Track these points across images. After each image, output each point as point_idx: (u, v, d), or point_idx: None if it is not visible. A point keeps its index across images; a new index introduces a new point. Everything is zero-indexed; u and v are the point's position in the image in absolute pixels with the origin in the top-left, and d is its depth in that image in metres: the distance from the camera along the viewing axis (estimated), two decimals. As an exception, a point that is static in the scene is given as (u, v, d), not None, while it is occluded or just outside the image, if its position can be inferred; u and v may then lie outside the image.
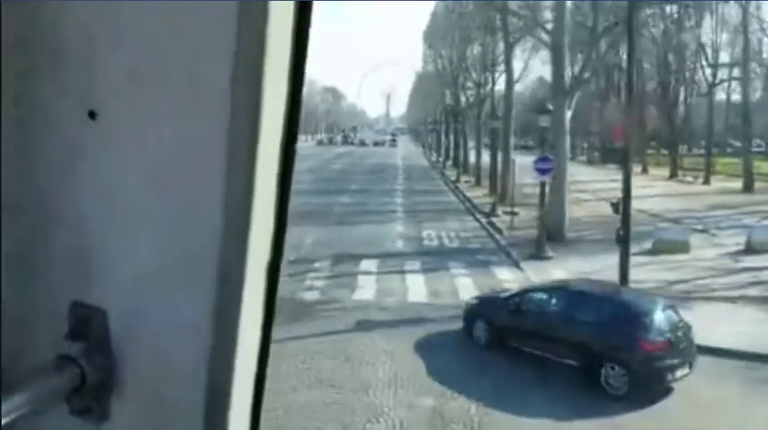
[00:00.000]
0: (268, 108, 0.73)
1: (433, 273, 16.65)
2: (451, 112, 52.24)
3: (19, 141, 0.82)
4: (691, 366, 9.08)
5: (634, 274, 14.87)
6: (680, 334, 9.29)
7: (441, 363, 9.94)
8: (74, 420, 0.82)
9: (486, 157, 38.89)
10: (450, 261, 17.95)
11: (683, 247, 18.28)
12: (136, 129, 0.78)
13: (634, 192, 33.58)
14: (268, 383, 0.86)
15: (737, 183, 34.74)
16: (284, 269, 1.28)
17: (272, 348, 0.85)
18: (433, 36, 55.59)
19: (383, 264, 17.30)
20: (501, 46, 34.37)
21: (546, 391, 8.84)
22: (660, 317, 9.40)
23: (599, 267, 16.76)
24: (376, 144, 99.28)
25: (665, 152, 49.99)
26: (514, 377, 9.47)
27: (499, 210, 26.25)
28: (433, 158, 67.26)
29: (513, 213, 25.94)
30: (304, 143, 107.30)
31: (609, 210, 26.34)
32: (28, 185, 0.83)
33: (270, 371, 0.86)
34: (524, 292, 11.04)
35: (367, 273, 16.56)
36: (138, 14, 0.75)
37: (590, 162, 55.95)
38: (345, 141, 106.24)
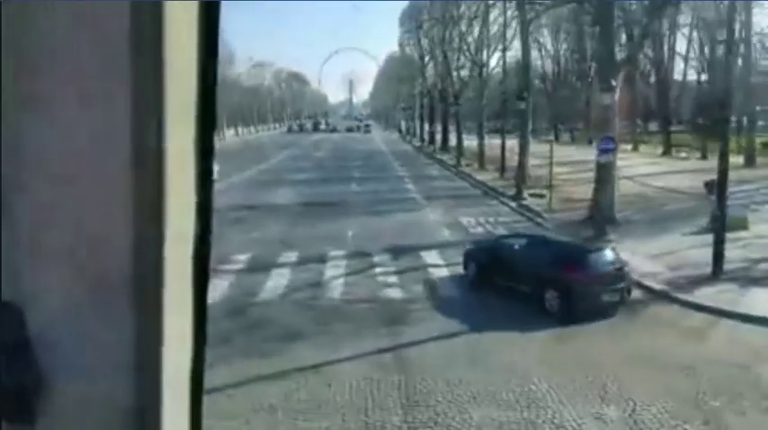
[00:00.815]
0: (174, 106, 0.76)
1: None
2: (439, 95, 51.24)
3: None
4: (621, 296, 11.85)
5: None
6: (610, 270, 11.89)
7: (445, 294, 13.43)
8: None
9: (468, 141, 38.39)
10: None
11: (742, 224, 17.81)
12: (38, 129, 0.77)
13: (641, 169, 34.21)
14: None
15: (735, 159, 34.91)
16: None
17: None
18: (415, 16, 54.37)
19: (445, 255, 16.27)
20: (502, 22, 33.51)
21: (504, 307, 12.30)
22: (594, 257, 12.15)
23: (667, 248, 16.19)
24: (349, 130, 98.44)
25: (648, 130, 50.55)
26: (485, 299, 12.82)
27: (524, 193, 25.54)
28: (417, 144, 66.17)
29: (540, 195, 25.33)
30: (274, 131, 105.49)
31: (636, 189, 26.61)
32: None
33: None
34: (499, 240, 14.86)
35: (436, 265, 15.58)
36: (45, 14, 0.75)
37: (574, 140, 56.06)
38: (316, 128, 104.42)
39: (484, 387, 8.83)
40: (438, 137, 55.94)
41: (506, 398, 8.51)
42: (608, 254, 12.43)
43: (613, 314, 11.65)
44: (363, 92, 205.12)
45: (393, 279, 14.40)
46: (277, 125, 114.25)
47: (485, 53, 37.75)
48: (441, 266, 15.38)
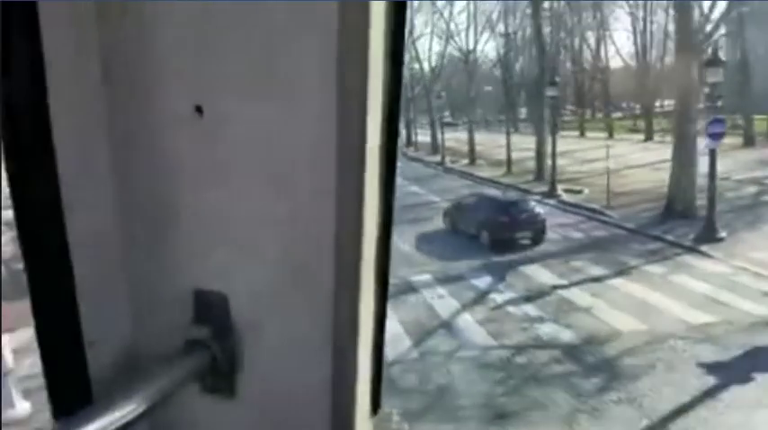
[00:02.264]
0: (373, 106, 0.76)
1: (628, 279, 13.06)
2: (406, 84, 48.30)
3: (130, 136, 0.83)
4: (536, 238, 16.08)
5: None
6: (525, 216, 16.21)
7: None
8: (206, 398, 0.87)
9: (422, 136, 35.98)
10: (608, 257, 14.49)
11: None
12: (242, 125, 0.79)
13: (645, 156, 32.85)
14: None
15: (730, 140, 34.37)
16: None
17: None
18: None
19: (529, 280, 13.38)
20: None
21: (459, 244, 16.51)
22: (514, 207, 16.56)
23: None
24: None
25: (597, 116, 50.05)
26: (449, 240, 17.09)
27: (558, 189, 23.11)
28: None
29: (576, 191, 23.04)
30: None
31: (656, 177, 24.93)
32: (146, 180, 0.85)
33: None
34: (461, 199, 19.33)
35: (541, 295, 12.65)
36: (242, 11, 0.76)
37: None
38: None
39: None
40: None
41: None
42: (525, 204, 17.15)
43: (528, 249, 15.59)
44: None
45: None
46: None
47: (471, 36, 35.30)
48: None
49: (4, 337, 8.12)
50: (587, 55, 49.07)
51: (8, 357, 8.50)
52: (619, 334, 10.06)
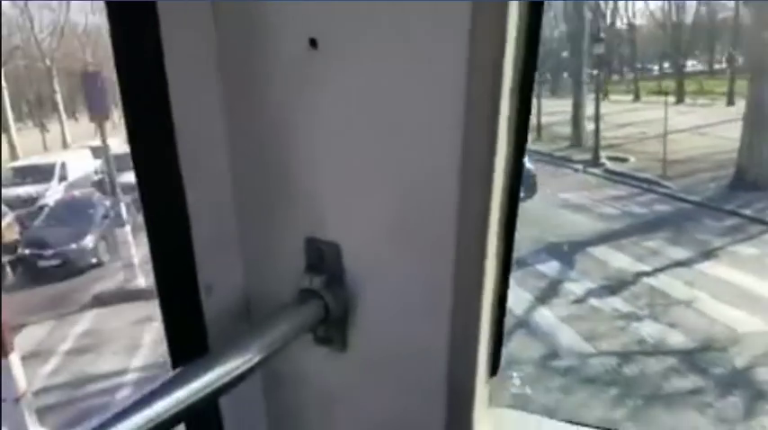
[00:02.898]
0: (504, 107, 0.71)
1: (720, 262, 11.44)
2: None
3: (243, 81, 0.81)
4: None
5: None
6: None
7: None
8: (318, 349, 0.86)
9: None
10: (685, 237, 12.83)
11: None
12: (359, 61, 0.74)
13: (683, 120, 31.01)
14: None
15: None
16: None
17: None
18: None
19: (599, 265, 11.76)
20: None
21: None
22: None
23: None
24: None
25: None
26: None
27: (602, 157, 21.35)
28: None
29: (621, 159, 21.32)
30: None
31: (722, 144, 23.32)
32: (260, 127, 0.82)
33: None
34: None
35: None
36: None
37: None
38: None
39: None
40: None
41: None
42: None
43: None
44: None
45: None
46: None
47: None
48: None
49: (12, 356, 6.51)
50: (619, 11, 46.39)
51: (19, 376, 6.86)
52: (739, 335, 8.48)
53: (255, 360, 0.72)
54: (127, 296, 12.20)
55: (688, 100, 37.68)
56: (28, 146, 36.34)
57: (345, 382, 0.89)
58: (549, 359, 8.30)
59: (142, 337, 10.36)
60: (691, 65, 39.19)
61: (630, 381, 7.61)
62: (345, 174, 0.80)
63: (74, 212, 15.69)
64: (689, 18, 36.19)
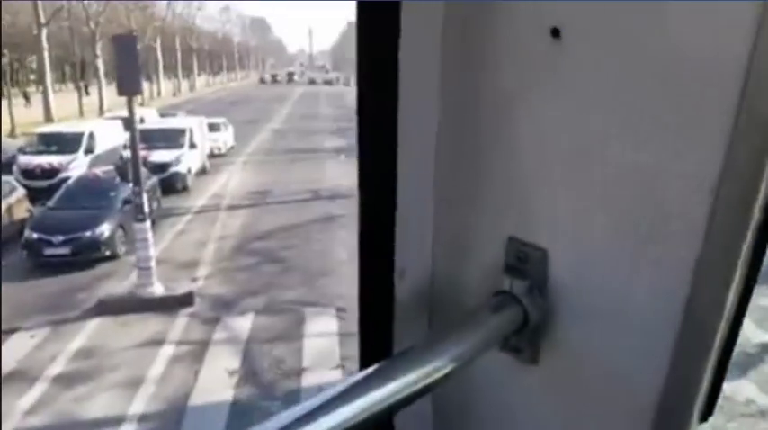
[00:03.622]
0: None
1: None
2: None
3: (467, 60, 0.78)
4: None
5: None
6: None
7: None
8: (502, 358, 0.80)
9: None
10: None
11: None
12: (608, 53, 0.69)
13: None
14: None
15: None
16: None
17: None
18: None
19: None
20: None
21: None
22: None
23: None
24: (327, 83, 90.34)
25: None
26: None
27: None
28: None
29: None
30: (243, 81, 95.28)
31: None
32: (476, 111, 0.79)
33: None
34: None
35: None
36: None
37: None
38: (290, 79, 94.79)
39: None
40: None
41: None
42: None
43: None
44: (321, 41, 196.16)
45: None
46: (239, 75, 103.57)
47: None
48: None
49: None
50: None
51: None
52: None
53: (447, 369, 0.66)
54: (137, 305, 10.21)
55: None
56: (64, 109, 35.05)
57: (531, 399, 0.82)
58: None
59: (148, 368, 8.33)
60: None
61: None
62: (569, 174, 0.73)
63: (92, 194, 13.82)
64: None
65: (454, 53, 0.77)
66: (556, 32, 0.69)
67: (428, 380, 0.64)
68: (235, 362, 8.48)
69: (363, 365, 0.71)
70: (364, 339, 0.85)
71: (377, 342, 0.84)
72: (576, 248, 0.74)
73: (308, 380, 7.94)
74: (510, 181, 0.78)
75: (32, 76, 53.70)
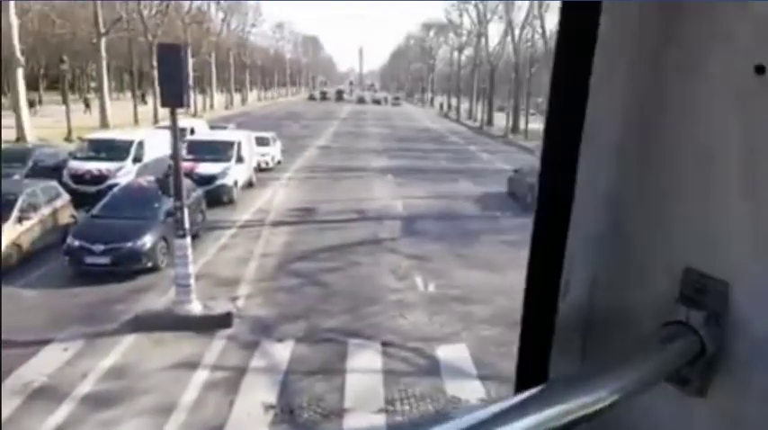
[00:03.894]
0: None
1: None
2: (513, 67, 42.97)
3: (679, 91, 0.77)
4: None
5: None
6: None
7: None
8: (666, 388, 0.76)
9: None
10: None
11: None
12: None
13: None
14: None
15: None
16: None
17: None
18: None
19: None
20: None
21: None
22: None
23: None
24: (376, 102, 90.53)
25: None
26: None
27: None
28: (471, 124, 57.44)
29: None
30: (292, 98, 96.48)
31: None
32: (664, 140, 0.78)
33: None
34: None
35: None
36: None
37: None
38: (340, 97, 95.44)
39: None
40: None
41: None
42: None
43: None
44: (370, 61, 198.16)
45: None
46: (288, 92, 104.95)
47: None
48: None
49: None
50: None
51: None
52: None
53: (613, 398, 0.62)
54: (174, 323, 9.76)
55: None
56: (120, 117, 35.75)
57: None
58: None
59: (180, 394, 7.81)
60: None
61: None
62: (741, 205, 0.72)
63: (136, 204, 13.53)
64: None
65: (649, 56, 0.77)
66: (761, 69, 0.68)
67: (588, 410, 0.61)
68: (271, 396, 7.87)
69: (520, 386, 0.69)
70: (522, 359, 0.84)
71: (534, 363, 0.83)
72: (757, 281, 0.72)
73: (349, 423, 7.26)
74: (694, 211, 0.76)
75: (93, 84, 55.39)
